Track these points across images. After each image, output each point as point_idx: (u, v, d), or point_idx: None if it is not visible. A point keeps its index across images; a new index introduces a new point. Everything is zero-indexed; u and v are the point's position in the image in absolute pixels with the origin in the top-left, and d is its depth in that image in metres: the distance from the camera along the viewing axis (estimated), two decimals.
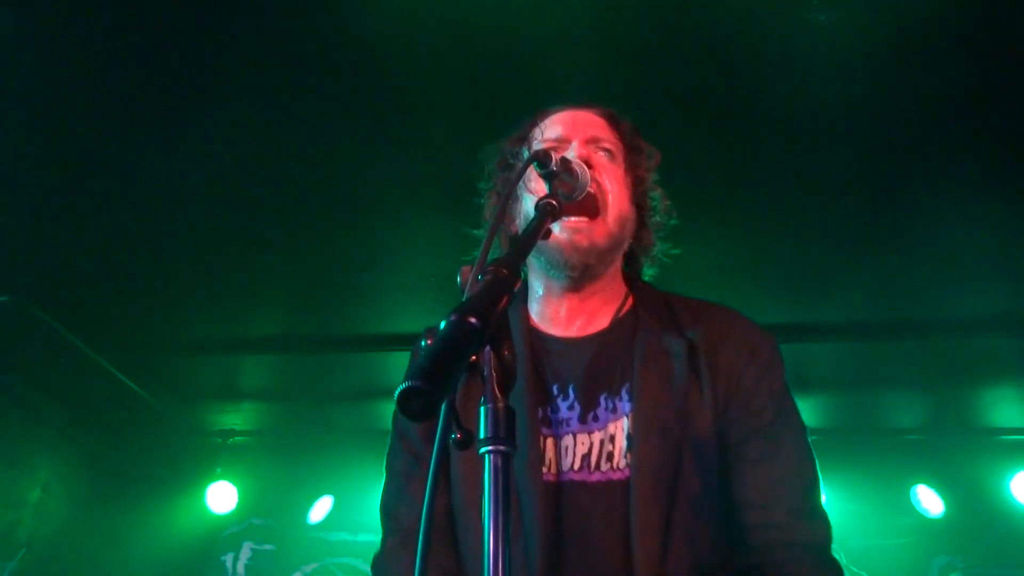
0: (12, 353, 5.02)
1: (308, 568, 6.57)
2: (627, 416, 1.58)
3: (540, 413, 1.62)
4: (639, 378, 1.60)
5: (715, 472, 1.56)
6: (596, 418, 1.61)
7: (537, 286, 1.77)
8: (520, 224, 1.77)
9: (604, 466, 1.56)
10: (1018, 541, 5.86)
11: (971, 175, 3.71)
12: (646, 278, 1.87)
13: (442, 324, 0.98)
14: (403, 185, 3.83)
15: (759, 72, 3.18)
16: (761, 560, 1.52)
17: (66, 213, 4.02)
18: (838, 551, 1.56)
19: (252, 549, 6.70)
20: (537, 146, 1.74)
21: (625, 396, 1.61)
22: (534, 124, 1.83)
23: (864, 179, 3.75)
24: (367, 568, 1.80)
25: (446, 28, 3.02)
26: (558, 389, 1.66)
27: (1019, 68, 3.11)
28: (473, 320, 0.98)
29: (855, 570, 5.71)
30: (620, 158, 1.77)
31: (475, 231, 1.90)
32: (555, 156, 1.46)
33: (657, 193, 1.84)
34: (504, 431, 1.02)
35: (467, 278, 1.13)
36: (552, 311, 1.75)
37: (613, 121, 1.81)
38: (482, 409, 1.03)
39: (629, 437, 1.56)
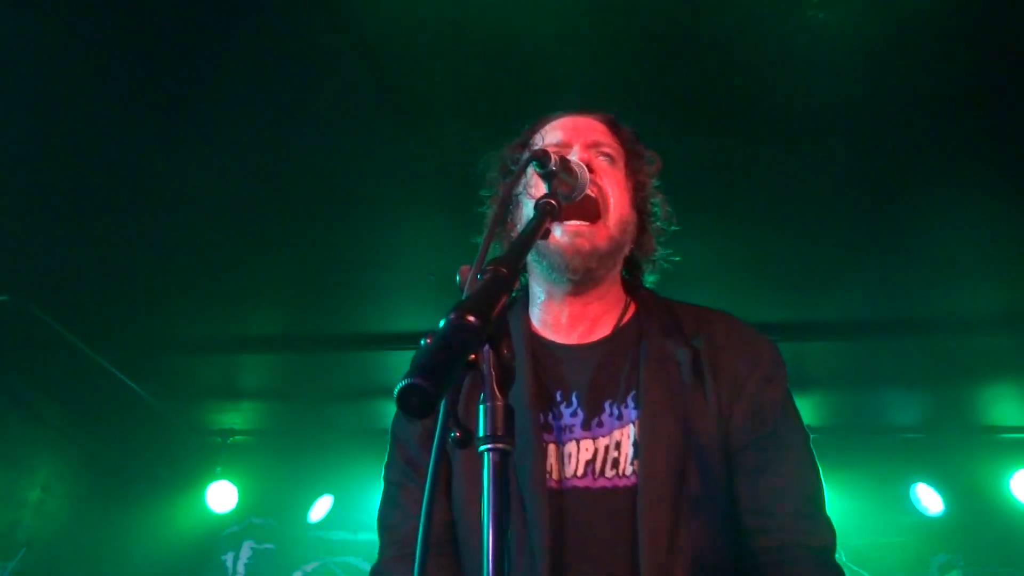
0: (12, 353, 5.02)
1: (308, 567, 6.58)
2: (633, 423, 1.59)
3: (542, 419, 1.62)
4: (645, 385, 1.60)
5: (720, 478, 1.57)
6: (601, 424, 1.61)
7: (538, 292, 1.77)
8: (520, 228, 1.76)
9: (609, 472, 1.57)
10: (1017, 539, 5.87)
11: (970, 174, 3.71)
12: (648, 285, 1.87)
13: (441, 323, 0.99)
14: (403, 184, 3.83)
15: (759, 71, 3.18)
16: (764, 563, 1.53)
17: (66, 212, 4.02)
18: (838, 549, 1.57)
19: (252, 548, 6.70)
20: (538, 148, 1.73)
21: (631, 403, 1.61)
22: (535, 130, 1.84)
23: (863, 178, 3.75)
24: (367, 567, 1.79)
25: (446, 27, 3.02)
26: (561, 396, 1.66)
27: (1019, 67, 3.11)
28: (472, 318, 0.98)
29: (855, 568, 5.72)
30: (621, 163, 1.77)
31: (477, 239, 1.90)
32: (554, 156, 1.46)
33: (658, 199, 1.84)
34: (503, 429, 1.02)
35: (466, 277, 1.13)
36: (553, 317, 1.75)
37: (614, 127, 1.82)
38: (481, 408, 1.04)
39: (636, 444, 1.56)
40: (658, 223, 1.84)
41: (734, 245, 4.26)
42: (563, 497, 1.56)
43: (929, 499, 6.05)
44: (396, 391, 0.86)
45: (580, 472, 1.58)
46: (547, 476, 1.57)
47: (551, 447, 1.60)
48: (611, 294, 1.77)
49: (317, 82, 3.28)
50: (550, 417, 1.64)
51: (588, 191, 1.59)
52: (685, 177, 3.51)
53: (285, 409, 6.39)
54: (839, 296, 4.68)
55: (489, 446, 1.01)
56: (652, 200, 1.83)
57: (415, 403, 0.87)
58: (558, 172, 1.46)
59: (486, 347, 1.03)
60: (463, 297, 1.08)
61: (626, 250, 1.77)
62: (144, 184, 3.83)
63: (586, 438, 1.61)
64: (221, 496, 6.41)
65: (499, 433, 1.02)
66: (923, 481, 6.07)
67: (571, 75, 3.19)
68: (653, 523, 1.48)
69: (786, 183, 3.79)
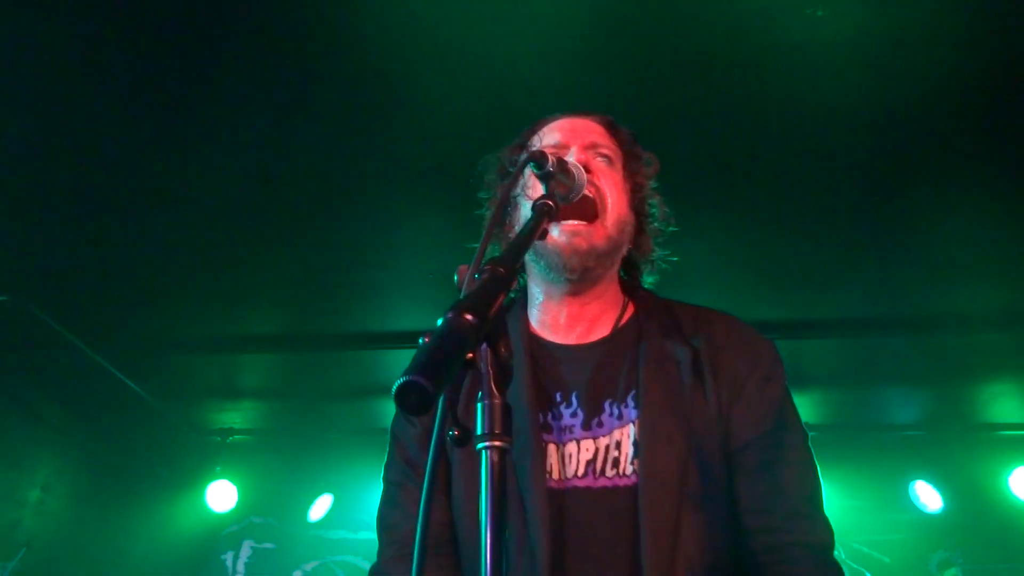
0: (11, 353, 5.02)
1: (308, 566, 6.59)
2: (634, 423, 1.59)
3: (542, 419, 1.63)
4: (645, 385, 1.60)
5: (720, 477, 1.58)
6: (601, 424, 1.62)
7: (537, 292, 1.78)
8: (518, 229, 1.77)
9: (610, 472, 1.57)
10: (1016, 536, 5.89)
11: (969, 173, 3.72)
12: (647, 285, 1.87)
13: (439, 321, 0.99)
14: (402, 184, 3.83)
15: (758, 69, 3.19)
16: (762, 562, 1.53)
17: (66, 213, 4.02)
18: (837, 547, 1.57)
19: (252, 547, 6.71)
20: (535, 149, 1.74)
21: (631, 403, 1.61)
22: (533, 132, 1.84)
23: (862, 177, 3.75)
24: (366, 566, 1.79)
25: (445, 28, 3.02)
26: (560, 396, 1.66)
27: (1019, 67, 3.11)
28: (470, 317, 0.99)
29: (854, 566, 5.73)
30: (619, 164, 1.78)
31: (474, 244, 1.90)
32: (551, 157, 1.46)
33: (656, 200, 1.84)
34: (501, 427, 1.03)
35: (464, 277, 1.14)
36: (552, 318, 1.75)
37: (612, 128, 1.82)
38: (479, 406, 1.04)
39: (636, 443, 1.57)
40: (656, 224, 1.84)
41: (733, 244, 4.27)
42: (564, 497, 1.56)
43: (928, 496, 6.06)
44: (394, 389, 0.87)
45: (581, 472, 1.58)
46: (548, 476, 1.58)
47: (551, 447, 1.61)
48: (609, 294, 1.77)
49: (317, 82, 3.28)
50: (550, 417, 1.64)
51: (586, 192, 1.59)
52: (684, 177, 3.55)
53: (285, 408, 6.39)
54: (838, 295, 4.69)
55: (487, 444, 1.02)
56: (650, 201, 1.83)
57: (413, 401, 0.87)
58: (555, 173, 1.46)
59: (484, 346, 1.04)
60: (461, 296, 1.09)
61: (624, 250, 1.77)
62: (144, 184, 3.83)
63: (586, 438, 1.61)
64: (221, 495, 6.41)
65: (497, 431, 1.02)
66: (922, 478, 6.09)
67: (570, 75, 3.19)
68: (654, 522, 1.49)
69: (785, 182, 3.80)
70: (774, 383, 1.67)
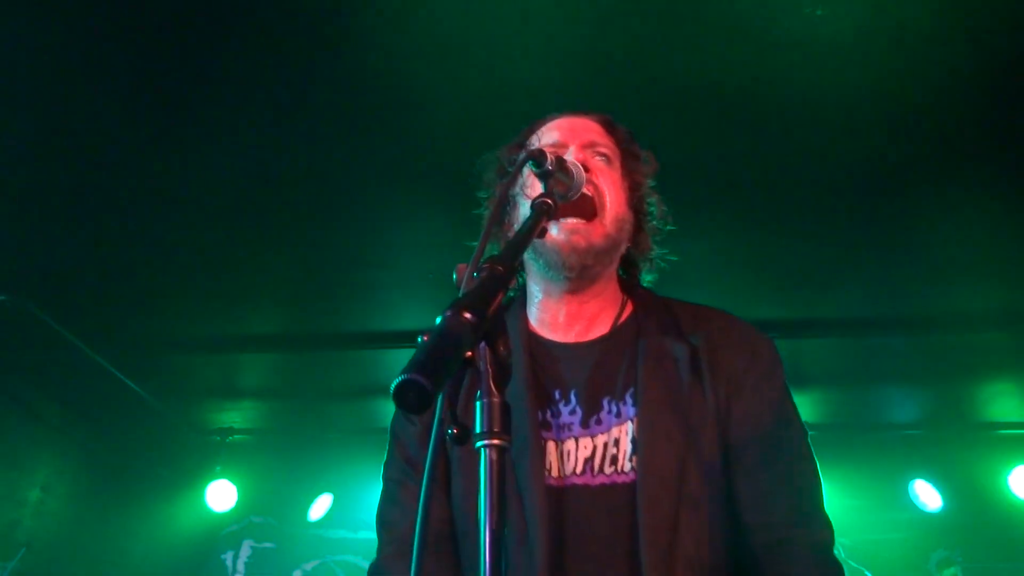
0: (11, 353, 5.02)
1: (308, 566, 6.59)
2: (632, 420, 1.60)
3: (541, 417, 1.63)
4: (643, 382, 1.61)
5: (719, 474, 1.58)
6: (599, 422, 1.62)
7: (536, 291, 1.78)
8: (517, 228, 1.77)
9: (608, 469, 1.58)
10: (1016, 535, 5.89)
11: (969, 172, 3.71)
12: (645, 283, 1.88)
13: (437, 320, 0.99)
14: (402, 183, 3.84)
15: (757, 68, 3.19)
16: (761, 560, 1.54)
17: (65, 212, 4.02)
18: (836, 546, 1.58)
19: (252, 547, 6.71)
20: (534, 148, 1.75)
21: (629, 400, 1.62)
22: (532, 131, 1.85)
23: (862, 176, 3.75)
24: (366, 565, 1.80)
25: (444, 27, 3.03)
26: (559, 394, 1.67)
27: (1019, 66, 3.12)
28: (468, 316, 0.99)
29: (854, 565, 5.73)
30: (617, 163, 1.78)
31: (473, 243, 1.91)
32: (550, 156, 1.47)
33: (654, 198, 1.85)
34: (500, 425, 1.03)
35: (463, 275, 1.14)
36: (551, 316, 1.76)
37: (610, 127, 1.83)
38: (477, 404, 1.04)
39: (634, 441, 1.57)
40: (654, 222, 1.85)
41: (733, 243, 4.27)
42: (563, 494, 1.57)
43: (928, 495, 6.06)
44: (393, 387, 0.87)
45: (579, 469, 1.59)
46: (547, 473, 1.58)
47: (551, 445, 1.61)
48: (608, 292, 1.77)
49: (316, 82, 3.28)
50: (549, 415, 1.64)
51: (584, 190, 1.60)
52: (684, 176, 3.55)
53: (284, 408, 6.39)
54: (838, 294, 4.69)
55: (486, 442, 1.02)
56: (648, 199, 1.84)
57: (412, 399, 0.88)
58: (554, 171, 1.46)
59: (482, 344, 1.04)
60: (459, 295, 1.09)
61: (622, 248, 1.78)
62: (143, 183, 3.83)
63: (585, 435, 1.62)
64: (221, 495, 6.41)
65: (496, 429, 1.02)
66: (922, 477, 6.09)
67: (569, 75, 3.19)
68: (653, 519, 1.49)
69: (785, 181, 3.80)
70: (773, 381, 1.67)
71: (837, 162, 3.66)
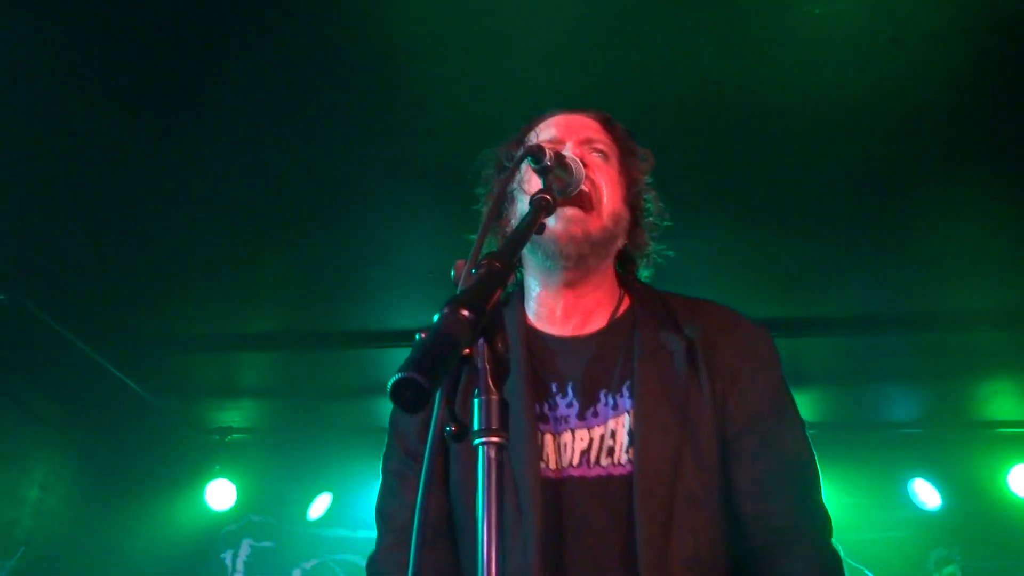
0: (9, 352, 5.02)
1: (307, 565, 6.59)
2: (628, 412, 1.60)
3: (538, 410, 1.64)
4: (639, 375, 1.62)
5: (715, 466, 1.58)
6: (596, 414, 1.63)
7: (533, 284, 1.79)
8: (516, 223, 1.78)
9: (604, 461, 1.58)
10: (1015, 533, 5.89)
11: (968, 171, 3.72)
12: (642, 279, 1.89)
13: (435, 317, 0.99)
14: (400, 182, 3.84)
15: (756, 68, 3.19)
16: (760, 550, 1.54)
17: (63, 211, 4.02)
18: (835, 544, 1.57)
19: (251, 546, 6.71)
20: (533, 144, 1.75)
21: (626, 393, 1.63)
22: (530, 127, 1.86)
23: (860, 174, 3.75)
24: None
25: (444, 26, 3.03)
26: (557, 387, 1.67)
27: (1019, 65, 3.11)
28: (466, 312, 0.99)
29: (853, 563, 5.73)
30: (614, 160, 1.80)
31: (472, 236, 1.91)
32: (549, 151, 1.47)
33: (651, 195, 1.87)
34: (498, 423, 1.03)
35: (461, 272, 1.14)
36: (548, 310, 1.76)
37: (608, 124, 1.84)
38: (476, 401, 1.04)
39: (631, 433, 1.58)
40: (651, 219, 1.86)
41: (733, 243, 4.27)
42: (560, 486, 1.58)
43: (927, 494, 6.06)
44: (389, 385, 0.87)
45: (576, 461, 1.60)
46: (544, 465, 1.59)
47: (548, 437, 1.62)
48: (605, 286, 1.78)
49: (316, 81, 3.28)
50: (546, 408, 1.65)
51: (582, 186, 1.61)
52: (683, 176, 3.55)
53: (283, 407, 6.39)
54: (837, 293, 4.70)
55: (483, 440, 1.02)
56: (645, 196, 1.85)
57: (409, 397, 0.87)
58: (553, 168, 1.47)
59: (480, 341, 1.04)
60: (457, 292, 1.09)
61: (619, 243, 1.79)
62: (142, 182, 3.83)
63: (581, 428, 1.63)
64: (220, 494, 6.41)
65: (494, 427, 1.02)
66: (921, 476, 6.09)
67: (568, 74, 3.19)
68: (648, 510, 1.49)
69: (784, 181, 3.80)
70: (770, 371, 1.68)
71: (836, 161, 3.66)
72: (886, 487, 6.15)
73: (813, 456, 1.64)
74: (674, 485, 1.52)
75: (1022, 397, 5.85)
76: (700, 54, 3.14)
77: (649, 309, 1.74)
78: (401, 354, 0.93)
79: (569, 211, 1.64)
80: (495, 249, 1.20)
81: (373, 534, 1.77)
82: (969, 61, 3.11)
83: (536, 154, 1.45)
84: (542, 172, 1.48)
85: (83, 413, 5.82)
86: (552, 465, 1.60)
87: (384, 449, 1.80)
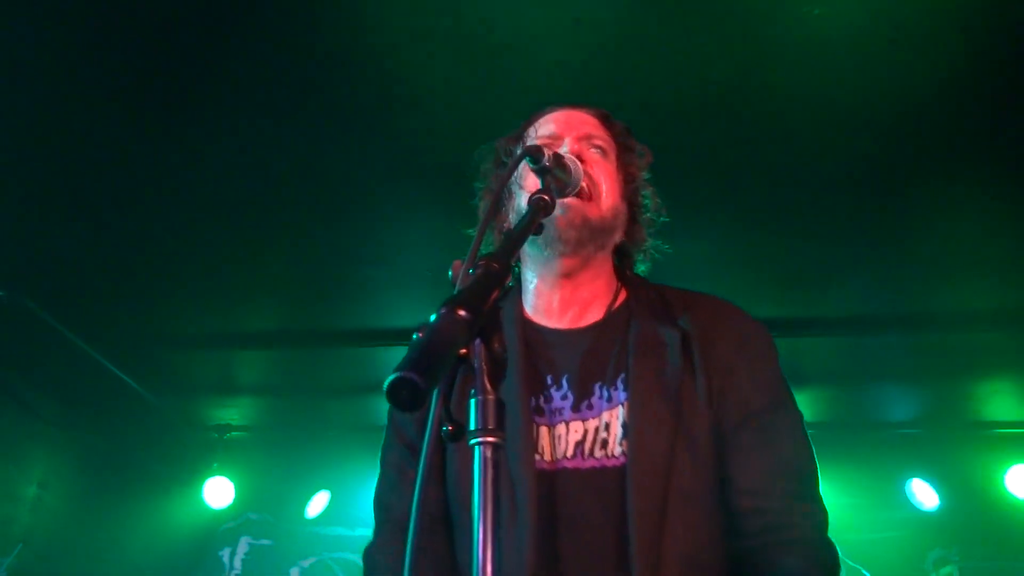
0: (7, 349, 5.01)
1: (305, 563, 6.59)
2: (622, 405, 1.60)
3: (533, 402, 1.65)
4: (634, 367, 1.62)
5: (710, 460, 1.58)
6: (591, 407, 1.63)
7: (531, 277, 1.80)
8: (513, 220, 1.79)
9: (598, 453, 1.59)
10: (1012, 534, 5.90)
11: (967, 171, 3.72)
12: (638, 272, 1.89)
13: (432, 317, 0.99)
14: (399, 181, 3.83)
15: (754, 67, 3.19)
16: (756, 545, 1.54)
17: (62, 208, 4.01)
18: (832, 540, 1.57)
19: (249, 544, 6.71)
20: (531, 143, 1.76)
21: (620, 385, 1.63)
22: (529, 123, 1.87)
23: (859, 174, 3.75)
24: None
25: (443, 26, 3.02)
26: (552, 379, 1.68)
27: (1018, 65, 3.11)
28: (463, 313, 0.99)
29: (850, 563, 5.74)
30: (612, 156, 1.80)
31: (470, 230, 1.91)
32: (548, 152, 1.47)
33: (648, 191, 1.87)
34: (494, 423, 1.02)
35: (459, 272, 1.14)
36: (545, 302, 1.77)
37: (606, 121, 1.85)
38: (472, 401, 1.04)
39: (624, 425, 1.58)
40: (648, 214, 1.87)
41: (730, 241, 4.27)
42: (554, 478, 1.58)
43: (924, 494, 6.07)
44: (386, 385, 0.87)
45: (570, 453, 1.60)
46: (539, 457, 1.59)
47: (543, 429, 1.63)
48: (602, 279, 1.79)
49: (314, 80, 3.28)
50: (541, 400, 1.66)
51: (581, 184, 1.61)
52: (682, 175, 3.55)
53: (282, 405, 6.38)
54: (836, 293, 4.70)
55: (480, 439, 1.02)
56: (643, 192, 1.86)
57: (405, 397, 0.87)
58: (551, 168, 1.47)
59: (477, 341, 1.04)
60: (455, 291, 1.09)
61: (616, 236, 1.80)
62: (141, 180, 3.83)
63: (575, 420, 1.63)
64: (218, 492, 6.41)
65: (490, 427, 1.02)
66: (919, 476, 6.09)
67: (567, 73, 3.18)
68: (641, 502, 1.49)
69: (783, 181, 3.80)
70: (766, 363, 1.68)
71: (836, 161, 3.66)
72: (884, 487, 6.16)
73: (811, 450, 1.64)
74: (668, 479, 1.52)
75: (1021, 398, 5.86)
76: (700, 54, 3.14)
77: (645, 302, 1.75)
78: (400, 353, 0.93)
79: (568, 200, 1.64)
80: (493, 247, 1.20)
81: (371, 533, 1.78)
82: (969, 61, 3.11)
83: (535, 154, 1.46)
84: (540, 172, 1.48)
85: (81, 410, 5.81)
86: (547, 457, 1.60)
87: (383, 441, 1.81)
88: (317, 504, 6.55)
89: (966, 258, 4.33)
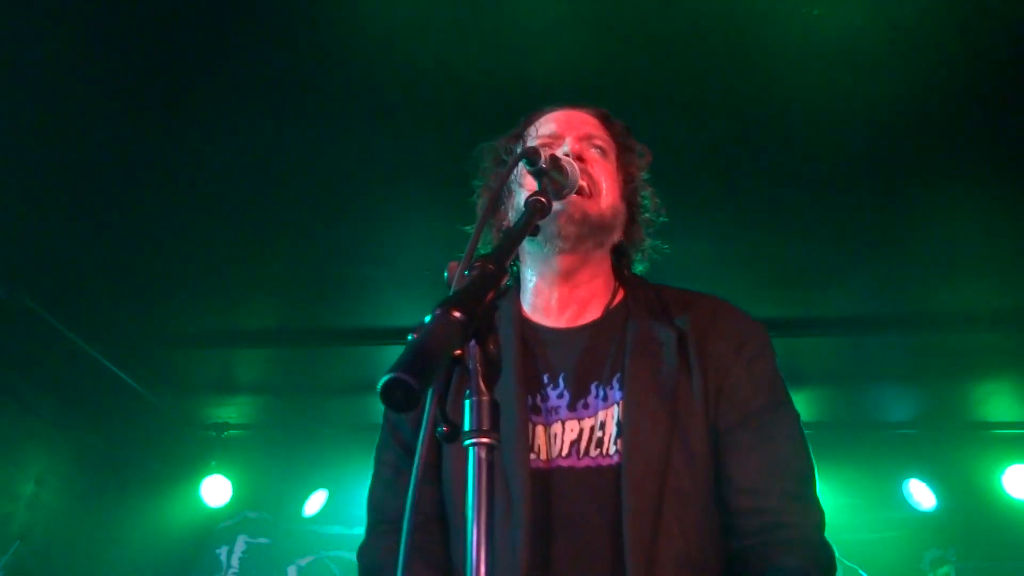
0: (5, 347, 5.01)
1: (303, 561, 6.59)
2: (618, 404, 1.60)
3: (529, 401, 1.65)
4: (630, 367, 1.62)
5: (705, 459, 1.58)
6: (586, 406, 1.63)
7: (529, 276, 1.80)
8: (512, 218, 1.80)
9: (593, 452, 1.58)
10: (1009, 534, 5.91)
11: (966, 172, 3.72)
12: (636, 272, 1.89)
13: (427, 318, 0.99)
14: (398, 179, 3.83)
15: (754, 67, 3.19)
16: (753, 545, 1.53)
17: (61, 207, 4.01)
18: (831, 544, 1.57)
19: (247, 542, 6.71)
20: (531, 144, 1.76)
21: (616, 385, 1.63)
22: (529, 122, 1.87)
23: (858, 174, 3.76)
24: None
25: (443, 26, 3.02)
26: (548, 378, 1.68)
27: (1016, 64, 3.12)
28: (458, 314, 0.99)
29: (847, 563, 5.74)
30: (612, 156, 1.80)
31: (468, 228, 1.91)
32: (544, 153, 1.47)
33: (647, 191, 1.87)
34: (488, 423, 1.03)
35: (454, 273, 1.14)
36: (543, 301, 1.77)
37: (606, 120, 1.85)
38: (467, 402, 1.04)
39: (619, 424, 1.58)
40: (647, 215, 1.87)
41: (729, 241, 4.27)
42: (550, 476, 1.58)
43: (922, 494, 6.08)
44: (379, 386, 0.87)
45: (565, 452, 1.60)
46: (535, 456, 1.59)
47: (539, 428, 1.63)
48: (600, 278, 1.79)
49: (313, 79, 3.28)
50: (538, 399, 1.66)
51: (580, 182, 1.61)
52: (681, 172, 3.55)
53: (280, 403, 6.38)
54: (834, 292, 4.70)
55: (474, 440, 1.02)
56: (642, 192, 1.86)
57: (398, 398, 0.87)
58: (548, 170, 1.47)
59: (472, 342, 1.04)
60: (450, 293, 1.09)
61: (615, 235, 1.79)
62: (140, 179, 3.83)
63: (571, 418, 1.63)
64: (215, 490, 6.41)
65: (484, 427, 1.02)
66: (916, 476, 6.10)
67: (567, 73, 3.18)
68: (636, 501, 1.49)
69: (782, 181, 3.80)
70: (762, 363, 1.67)
71: (835, 161, 3.66)
72: (881, 487, 6.17)
73: (808, 449, 1.63)
74: (664, 479, 1.52)
75: (1018, 398, 5.87)
76: (700, 54, 3.14)
77: (643, 302, 1.75)
78: (398, 351, 0.94)
79: (569, 196, 1.64)
80: (489, 251, 1.20)
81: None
82: (968, 61, 3.11)
83: (531, 156, 1.45)
84: (537, 174, 1.48)
85: (79, 408, 5.81)
86: (543, 456, 1.60)
87: (378, 440, 1.81)
88: (315, 503, 6.55)
89: (965, 258, 4.33)
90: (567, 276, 1.74)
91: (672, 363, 1.62)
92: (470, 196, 1.95)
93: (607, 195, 1.73)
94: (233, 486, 6.46)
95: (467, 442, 1.02)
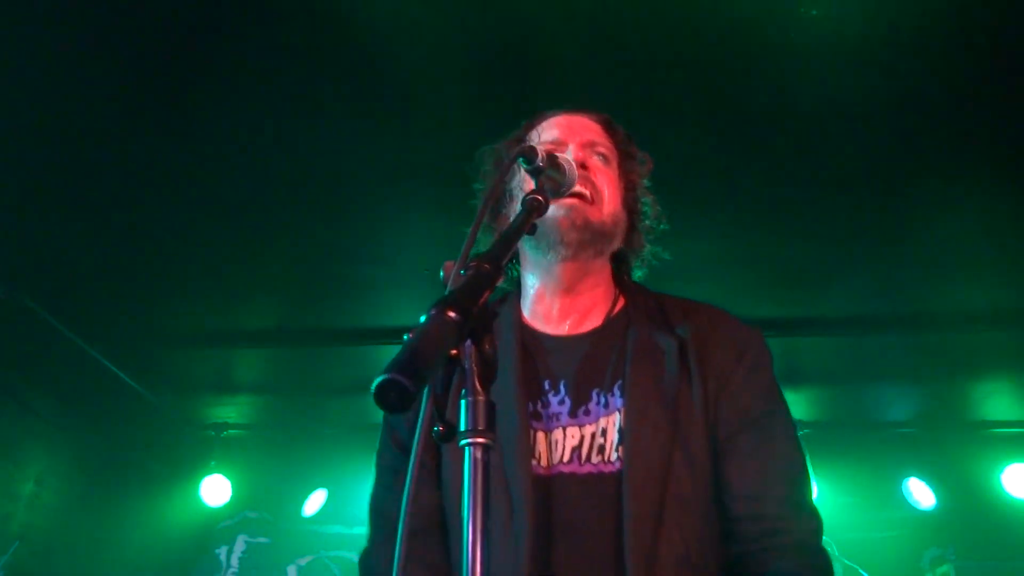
0: (5, 347, 5.01)
1: (302, 561, 6.60)
2: (619, 411, 1.61)
3: (530, 407, 1.65)
4: (631, 374, 1.62)
5: (705, 466, 1.59)
6: (588, 412, 1.64)
7: (531, 283, 1.80)
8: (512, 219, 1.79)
9: (595, 459, 1.59)
10: (1009, 533, 5.91)
11: (965, 169, 3.72)
12: (636, 279, 1.90)
13: (422, 318, 0.99)
14: (398, 179, 3.83)
15: (754, 68, 3.19)
16: (750, 551, 1.54)
17: (61, 206, 4.01)
18: (830, 543, 1.58)
19: (246, 542, 6.72)
20: (527, 145, 1.76)
21: (617, 392, 1.63)
22: (531, 127, 1.86)
23: (858, 174, 3.76)
24: None
25: (444, 22, 3.02)
26: (549, 384, 1.68)
27: (1015, 64, 3.12)
28: (453, 314, 0.99)
29: (847, 563, 5.74)
30: (614, 163, 1.80)
31: (467, 229, 1.91)
32: (541, 152, 1.47)
33: (648, 198, 1.87)
34: (484, 424, 1.03)
35: (450, 273, 1.14)
36: (545, 309, 1.77)
37: (608, 127, 1.85)
38: (462, 403, 1.04)
39: (621, 431, 1.58)
40: (648, 222, 1.87)
41: (729, 241, 4.27)
42: (551, 483, 1.58)
43: (921, 493, 6.08)
44: (373, 386, 0.87)
45: (567, 458, 1.60)
46: (535, 463, 1.59)
47: (540, 434, 1.63)
48: (601, 287, 1.79)
49: (314, 79, 3.28)
50: (539, 406, 1.66)
51: (580, 187, 1.62)
52: (681, 174, 3.55)
53: (279, 403, 6.39)
54: (833, 292, 4.70)
55: (469, 440, 1.02)
56: (643, 199, 1.86)
57: (393, 398, 0.87)
58: (545, 168, 1.47)
59: (468, 342, 1.04)
60: (446, 292, 1.09)
61: (616, 242, 1.79)
62: (140, 179, 3.83)
63: (572, 425, 1.63)
64: (215, 490, 6.41)
65: (480, 428, 1.03)
66: (915, 475, 6.10)
67: (568, 74, 3.19)
68: (638, 507, 1.50)
69: (781, 179, 3.80)
70: (761, 371, 1.68)
71: (835, 161, 3.66)
72: (881, 486, 6.17)
73: (804, 457, 1.65)
74: (665, 486, 1.52)
75: (1017, 397, 5.87)
76: (699, 54, 3.14)
77: (643, 309, 1.75)
78: (396, 351, 0.93)
79: (570, 200, 1.64)
80: (485, 250, 1.20)
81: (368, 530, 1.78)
82: (968, 61, 3.11)
83: (527, 155, 1.45)
84: (534, 173, 1.48)
85: (79, 408, 5.81)
86: (544, 462, 1.60)
87: (378, 444, 1.81)
88: (314, 502, 6.55)
89: (965, 258, 4.33)
90: (569, 287, 1.74)
91: (673, 371, 1.62)
92: (471, 197, 1.95)
93: (609, 202, 1.73)
94: (233, 486, 6.45)
95: (463, 442, 1.03)
